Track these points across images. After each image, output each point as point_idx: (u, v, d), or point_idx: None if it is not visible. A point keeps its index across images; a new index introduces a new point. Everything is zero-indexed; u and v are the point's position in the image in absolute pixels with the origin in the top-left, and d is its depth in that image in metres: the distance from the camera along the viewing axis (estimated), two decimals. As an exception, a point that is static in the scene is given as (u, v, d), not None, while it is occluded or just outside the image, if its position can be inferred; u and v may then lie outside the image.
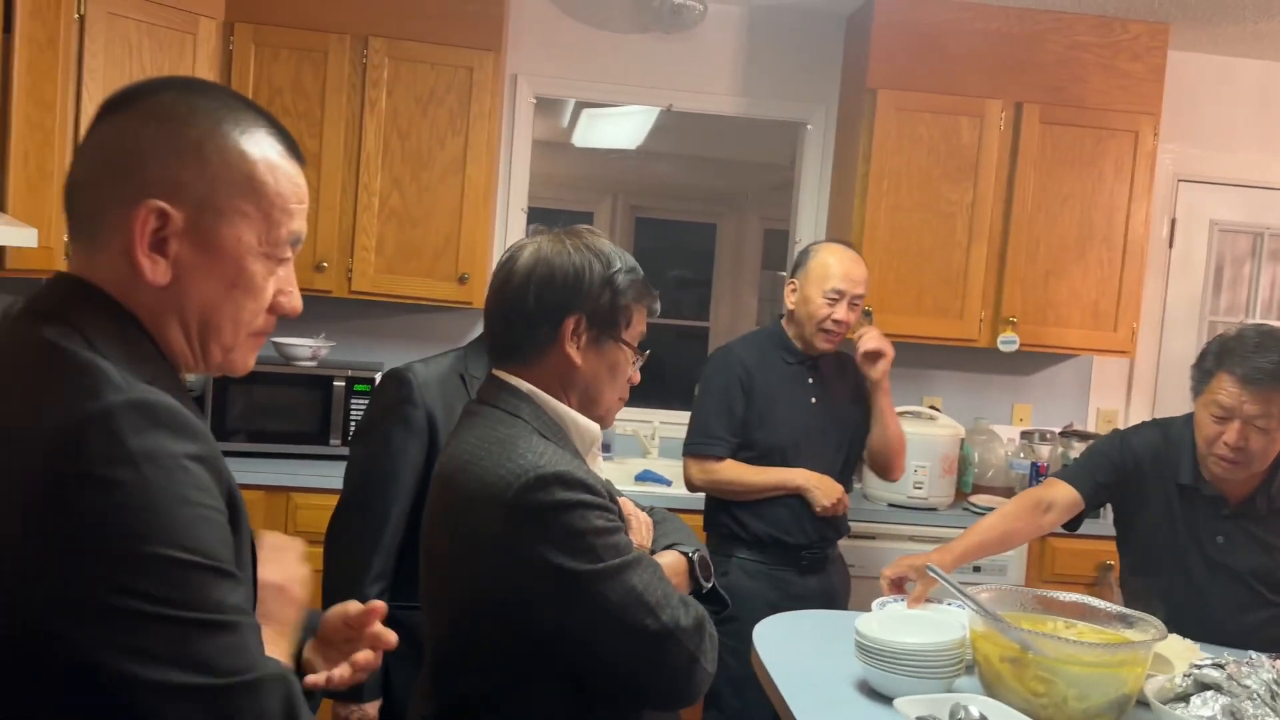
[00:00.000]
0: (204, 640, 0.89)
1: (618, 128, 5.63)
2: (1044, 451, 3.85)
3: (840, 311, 2.72)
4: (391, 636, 1.22)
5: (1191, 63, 4.02)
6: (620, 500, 1.49)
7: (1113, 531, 2.55)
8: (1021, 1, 3.59)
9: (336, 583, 2.00)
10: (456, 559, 1.42)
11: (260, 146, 1.03)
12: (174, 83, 1.04)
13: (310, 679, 1.16)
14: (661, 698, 1.44)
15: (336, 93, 3.45)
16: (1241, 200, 4.12)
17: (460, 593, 1.43)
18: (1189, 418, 2.38)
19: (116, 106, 1.01)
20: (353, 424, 3.38)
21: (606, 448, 3.86)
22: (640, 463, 3.85)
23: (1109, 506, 2.56)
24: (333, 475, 2.71)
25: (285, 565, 1.18)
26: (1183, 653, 1.97)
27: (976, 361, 4.00)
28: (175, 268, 0.99)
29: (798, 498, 2.73)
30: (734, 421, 2.76)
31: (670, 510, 1.74)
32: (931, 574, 2.02)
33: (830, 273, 2.73)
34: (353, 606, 1.24)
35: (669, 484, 3.60)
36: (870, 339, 2.79)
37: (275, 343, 3.47)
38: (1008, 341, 3.67)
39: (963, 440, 3.72)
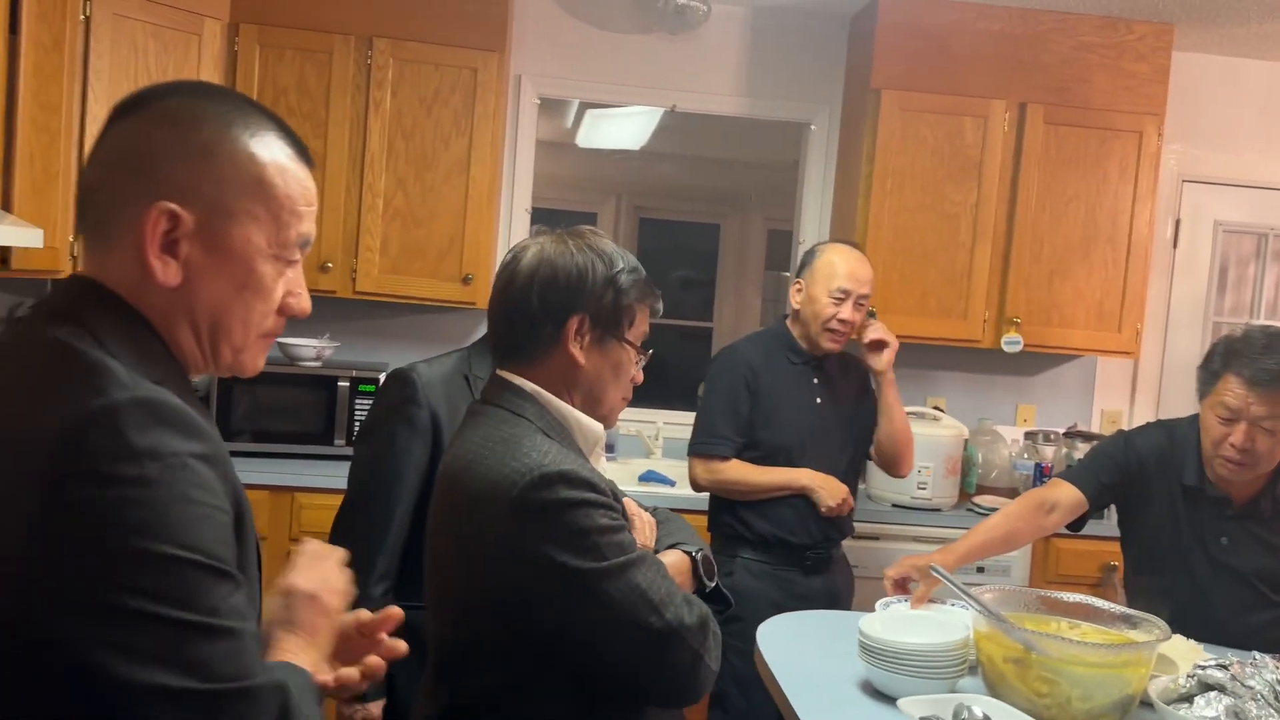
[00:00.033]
0: (199, 643, 0.88)
1: (621, 128, 5.64)
2: (1048, 452, 3.85)
3: (846, 311, 2.72)
4: (402, 646, 1.22)
5: (1196, 63, 4.01)
6: (624, 500, 1.50)
7: (1117, 532, 2.55)
8: (1025, 2, 3.59)
9: (341, 583, 2.00)
10: (461, 558, 1.43)
11: (270, 149, 1.04)
12: (184, 87, 1.06)
13: (318, 678, 1.16)
14: (665, 696, 1.44)
15: (341, 93, 3.46)
16: (1246, 201, 4.12)
17: (464, 591, 1.43)
18: (1194, 419, 2.38)
19: (127, 110, 1.03)
20: (357, 424, 3.39)
21: (610, 448, 3.86)
22: (644, 463, 3.85)
23: (1113, 507, 2.55)
24: (337, 475, 2.72)
25: (321, 573, 1.17)
26: (1186, 653, 1.97)
27: (980, 362, 4.00)
28: (186, 269, 1.00)
29: (803, 498, 2.73)
30: (739, 421, 2.76)
31: (673, 511, 1.74)
32: (935, 574, 2.02)
33: (836, 272, 2.73)
34: (363, 614, 1.24)
35: (672, 484, 3.61)
36: (875, 329, 2.81)
37: (280, 343, 3.48)
38: (1012, 342, 3.66)
39: (966, 441, 3.71)
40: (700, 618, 1.41)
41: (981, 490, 3.77)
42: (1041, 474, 3.71)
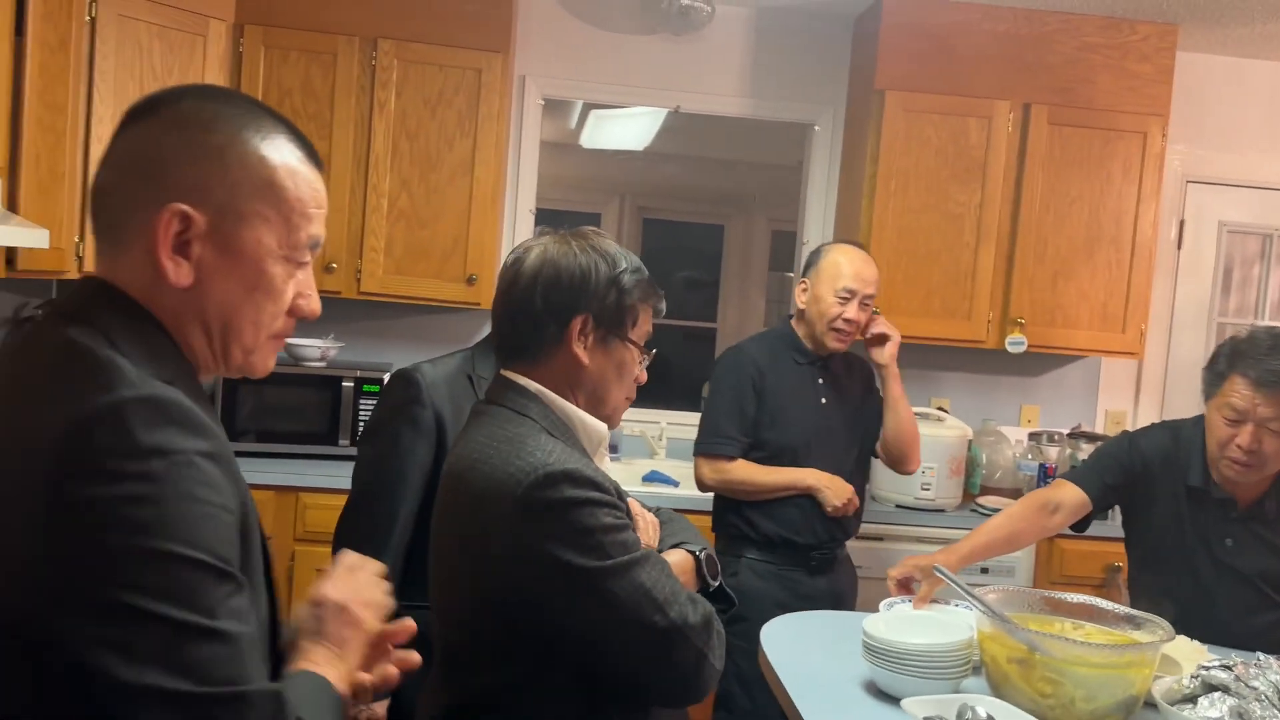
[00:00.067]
0: (193, 645, 0.88)
1: (625, 129, 5.64)
2: (1052, 453, 3.85)
3: (851, 310, 2.73)
4: (415, 658, 1.21)
5: (1200, 64, 4.01)
6: (627, 500, 1.50)
7: (1121, 533, 2.55)
8: (1029, 3, 3.59)
9: (345, 582, 2.01)
10: (466, 556, 1.43)
11: (280, 152, 1.05)
12: (195, 90, 1.07)
13: (341, 687, 1.15)
14: (669, 694, 1.44)
15: (345, 94, 3.47)
16: (1250, 201, 4.11)
17: (469, 590, 1.44)
18: (1199, 420, 2.38)
19: (140, 114, 1.04)
20: (362, 424, 3.39)
21: (614, 448, 3.86)
22: (647, 463, 3.85)
23: (1118, 508, 2.55)
24: (342, 475, 2.72)
25: (354, 585, 1.16)
26: (1190, 654, 1.97)
27: (984, 363, 4.00)
28: (198, 270, 1.01)
29: (808, 498, 2.74)
30: (745, 421, 2.76)
31: (677, 511, 1.75)
32: (939, 574, 2.02)
33: (842, 272, 2.74)
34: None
35: (676, 485, 3.61)
36: (876, 324, 2.82)
37: (285, 343, 3.48)
38: (1016, 343, 3.66)
39: (970, 441, 3.71)
40: (704, 616, 1.41)
41: (985, 491, 3.77)
42: (1045, 475, 3.70)
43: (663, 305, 1.56)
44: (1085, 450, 3.71)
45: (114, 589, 0.86)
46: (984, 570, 3.28)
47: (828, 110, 4.01)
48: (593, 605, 1.35)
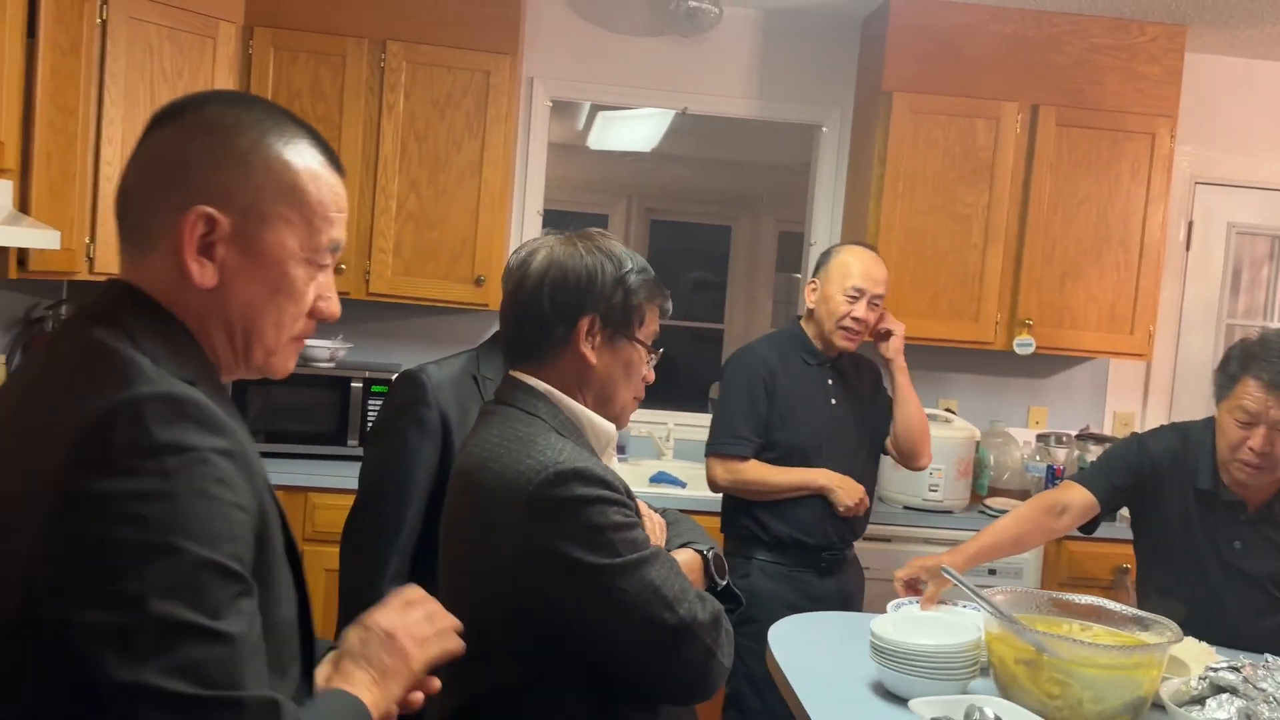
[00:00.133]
0: (192, 645, 0.87)
1: (633, 130, 5.65)
2: (1060, 454, 3.84)
3: (860, 309, 2.73)
4: (435, 683, 1.20)
5: (1209, 65, 4.00)
6: (636, 500, 1.51)
7: (1129, 534, 2.55)
8: (1037, 4, 3.58)
9: (354, 583, 2.01)
10: (476, 554, 1.44)
11: (303, 157, 1.07)
12: (219, 96, 1.09)
13: (375, 714, 1.15)
14: (678, 692, 1.45)
15: (354, 96, 3.48)
16: (1259, 203, 4.10)
17: (479, 588, 1.44)
18: (1208, 422, 2.37)
19: (165, 119, 1.06)
20: (370, 425, 3.40)
21: (621, 449, 3.87)
22: (655, 464, 3.86)
23: (1126, 509, 2.55)
24: (350, 475, 2.72)
25: (408, 619, 1.17)
26: (1198, 655, 1.97)
27: (992, 364, 3.99)
28: (221, 271, 1.03)
29: (819, 498, 2.74)
30: (758, 421, 2.77)
31: (684, 512, 1.75)
32: (946, 575, 2.02)
33: (851, 271, 2.75)
34: None
35: (684, 485, 3.61)
36: (882, 319, 2.83)
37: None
38: (1024, 344, 3.66)
39: (978, 443, 3.71)
40: (713, 614, 1.42)
41: (993, 492, 3.77)
42: (1053, 476, 3.70)
43: (669, 305, 1.57)
44: (1093, 452, 3.70)
45: (118, 582, 0.86)
46: (991, 571, 3.28)
47: (835, 111, 4.01)
48: (602, 603, 1.35)
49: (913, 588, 2.32)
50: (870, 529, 3.03)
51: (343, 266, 3.47)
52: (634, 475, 3.66)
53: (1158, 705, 1.78)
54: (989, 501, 3.66)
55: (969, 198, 3.64)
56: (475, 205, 3.53)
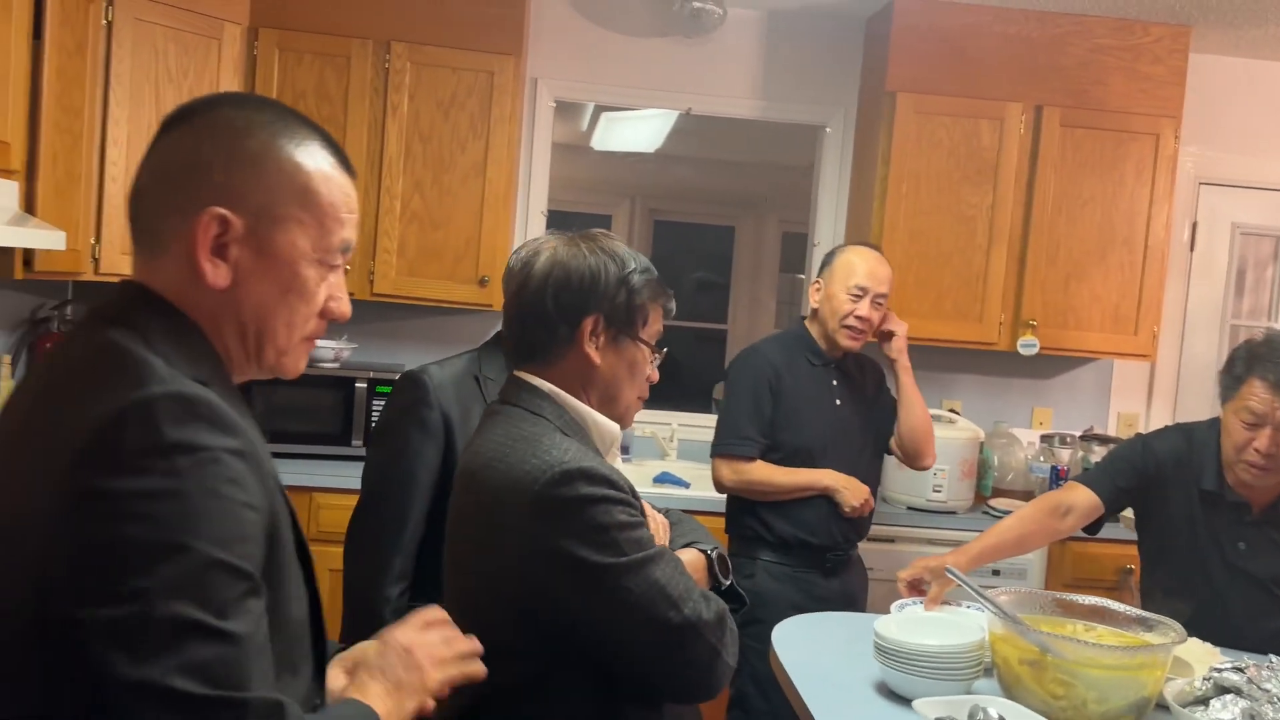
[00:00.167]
0: (198, 645, 0.88)
1: (637, 131, 5.65)
2: (1064, 455, 3.84)
3: (863, 308, 2.74)
4: (430, 704, 1.21)
5: (1213, 65, 4.00)
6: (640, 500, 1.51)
7: (1133, 535, 2.55)
8: (1042, 4, 3.58)
9: (358, 584, 2.02)
10: (481, 554, 1.45)
11: (314, 158, 1.07)
12: (230, 98, 1.11)
13: None
14: (683, 691, 1.46)
15: (359, 97, 3.49)
16: (1263, 203, 4.10)
17: (484, 587, 1.45)
18: (1213, 423, 2.37)
19: (177, 121, 1.06)
20: (374, 425, 3.40)
21: (625, 449, 3.87)
22: (659, 465, 3.86)
23: (1130, 510, 2.55)
24: (354, 476, 2.72)
25: (426, 639, 1.19)
26: (1202, 656, 1.97)
27: (996, 365, 3.99)
28: (234, 272, 1.04)
29: (825, 499, 2.74)
30: (763, 422, 2.77)
31: (688, 513, 1.75)
32: (950, 576, 2.02)
33: (855, 270, 2.75)
34: None
35: (687, 486, 3.61)
36: (886, 321, 2.84)
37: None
38: (1028, 345, 3.66)
39: (982, 443, 3.71)
40: (718, 614, 1.42)
41: (997, 493, 3.77)
42: (1057, 477, 3.70)
43: (672, 304, 1.57)
44: (1097, 453, 3.70)
45: (127, 580, 0.87)
46: (995, 572, 3.28)
47: (839, 112, 4.01)
48: (607, 601, 1.36)
49: (916, 588, 2.33)
50: (874, 529, 3.03)
51: (347, 267, 3.47)
52: (638, 476, 3.66)
53: (1162, 706, 1.78)
54: (993, 502, 3.66)
55: (973, 198, 3.64)
56: (479, 206, 3.54)
